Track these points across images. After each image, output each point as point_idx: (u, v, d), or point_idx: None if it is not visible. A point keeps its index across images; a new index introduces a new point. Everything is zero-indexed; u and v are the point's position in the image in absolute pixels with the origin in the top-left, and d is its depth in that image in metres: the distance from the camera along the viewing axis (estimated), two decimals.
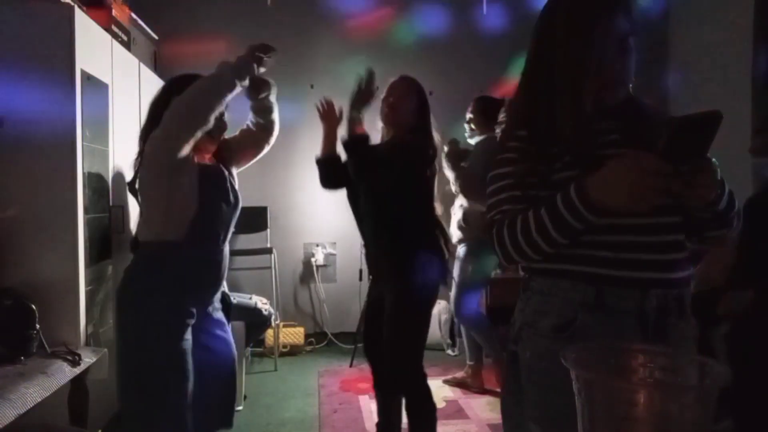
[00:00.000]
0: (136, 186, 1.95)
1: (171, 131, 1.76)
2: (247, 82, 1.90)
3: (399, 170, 2.13)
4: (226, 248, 2.00)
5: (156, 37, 3.79)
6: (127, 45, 3.06)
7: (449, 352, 4.18)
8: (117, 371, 1.88)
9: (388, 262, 2.21)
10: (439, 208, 2.30)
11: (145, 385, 1.81)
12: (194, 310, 1.87)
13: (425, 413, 2.23)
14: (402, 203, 2.18)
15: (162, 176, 1.80)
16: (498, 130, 3.17)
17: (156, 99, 1.95)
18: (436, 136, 2.29)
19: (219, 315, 2.06)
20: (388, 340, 2.18)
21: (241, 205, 2.03)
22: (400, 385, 2.22)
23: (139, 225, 1.95)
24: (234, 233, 2.16)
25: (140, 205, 1.94)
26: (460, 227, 3.28)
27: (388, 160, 2.15)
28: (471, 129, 3.34)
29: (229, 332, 2.10)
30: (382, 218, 2.21)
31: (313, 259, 4.35)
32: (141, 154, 1.92)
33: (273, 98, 2.12)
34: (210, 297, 1.99)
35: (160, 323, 1.81)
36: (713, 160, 1.03)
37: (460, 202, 3.29)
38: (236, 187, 2.04)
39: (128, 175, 2.93)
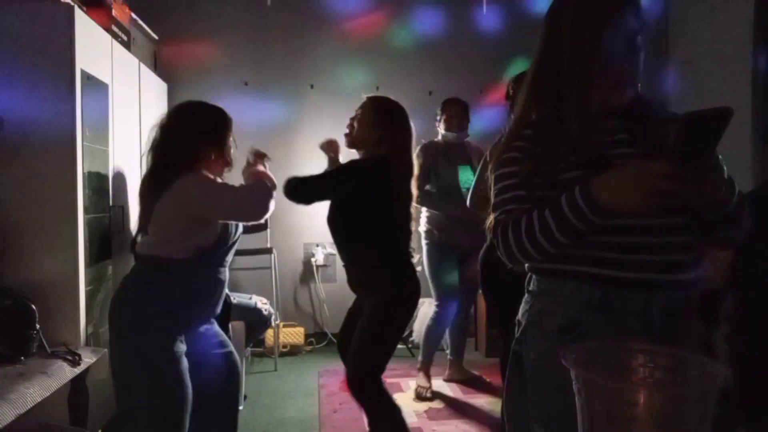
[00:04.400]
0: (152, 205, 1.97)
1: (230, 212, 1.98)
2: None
3: (351, 187, 2.23)
4: (227, 270, 2.07)
5: (156, 37, 3.79)
6: (127, 45, 3.06)
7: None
8: (113, 373, 1.90)
9: (360, 276, 2.30)
10: (414, 225, 2.37)
11: (143, 385, 1.84)
12: (187, 327, 1.94)
13: (386, 418, 2.23)
14: (359, 218, 2.24)
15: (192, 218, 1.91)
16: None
17: (167, 125, 2.01)
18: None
19: (215, 330, 2.12)
20: (355, 347, 2.21)
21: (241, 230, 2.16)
22: (358, 392, 2.23)
23: (147, 240, 1.97)
24: None
25: (152, 228, 1.94)
26: None
27: (339, 176, 2.28)
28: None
29: (229, 345, 2.16)
30: (345, 233, 2.31)
31: (313, 259, 4.34)
32: (158, 170, 1.95)
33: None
34: (211, 313, 2.04)
35: (158, 329, 1.85)
36: (719, 157, 1.02)
37: None
38: None
39: (128, 175, 2.95)
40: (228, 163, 2.08)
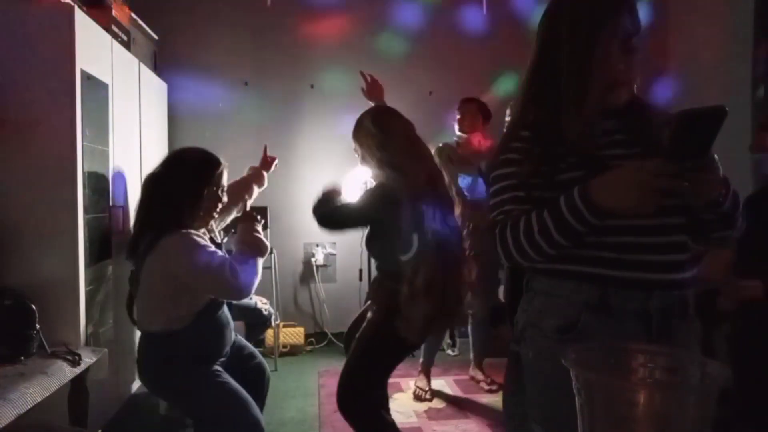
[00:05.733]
0: (139, 274, 2.02)
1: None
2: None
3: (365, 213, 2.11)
4: (225, 308, 2.12)
5: (156, 37, 3.79)
6: (127, 45, 3.06)
7: (449, 352, 4.18)
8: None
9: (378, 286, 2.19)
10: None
11: (205, 411, 1.99)
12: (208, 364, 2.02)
13: None
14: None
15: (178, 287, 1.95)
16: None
17: (161, 174, 2.07)
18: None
19: (242, 344, 2.25)
20: (347, 359, 2.14)
21: None
22: (342, 407, 2.10)
23: (142, 313, 2.06)
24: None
25: (141, 293, 2.02)
26: None
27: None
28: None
29: (258, 356, 2.27)
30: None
31: (313, 259, 4.34)
32: (141, 235, 2.01)
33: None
34: (226, 348, 2.09)
35: (185, 375, 1.97)
36: (715, 156, 1.02)
37: None
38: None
39: (128, 175, 2.95)
40: (220, 209, 2.12)
